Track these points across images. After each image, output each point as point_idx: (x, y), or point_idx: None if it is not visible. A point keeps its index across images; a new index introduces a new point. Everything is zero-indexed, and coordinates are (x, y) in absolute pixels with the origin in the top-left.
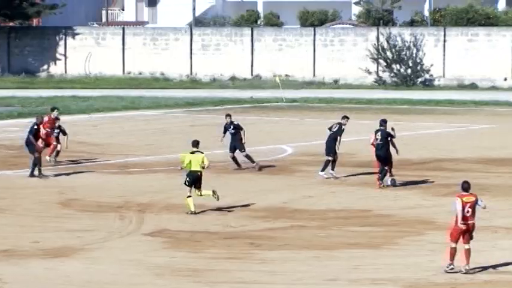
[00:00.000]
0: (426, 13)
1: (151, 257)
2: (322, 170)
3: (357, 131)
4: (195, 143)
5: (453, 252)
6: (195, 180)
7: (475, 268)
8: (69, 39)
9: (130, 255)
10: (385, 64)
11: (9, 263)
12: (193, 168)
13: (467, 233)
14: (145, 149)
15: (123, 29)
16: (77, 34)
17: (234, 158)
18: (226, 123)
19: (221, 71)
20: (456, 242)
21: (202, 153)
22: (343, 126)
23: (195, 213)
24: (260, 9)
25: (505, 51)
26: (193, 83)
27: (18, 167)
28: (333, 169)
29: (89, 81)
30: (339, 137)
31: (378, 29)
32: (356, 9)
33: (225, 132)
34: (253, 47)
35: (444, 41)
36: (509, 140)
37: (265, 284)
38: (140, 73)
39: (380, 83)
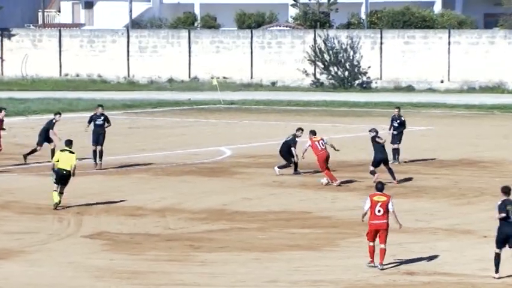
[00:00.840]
0: (363, 16)
1: (91, 259)
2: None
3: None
4: (68, 142)
5: (371, 250)
6: (62, 177)
7: (411, 269)
8: (6, 41)
9: (69, 257)
10: (322, 66)
11: None
12: (61, 166)
13: (381, 232)
14: (83, 152)
15: (60, 31)
16: (13, 35)
17: None
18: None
19: (159, 73)
20: (372, 240)
21: (73, 153)
22: (296, 138)
23: (58, 204)
24: (197, 11)
25: (441, 53)
26: (131, 85)
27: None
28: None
29: (26, 83)
30: (292, 148)
31: (315, 31)
32: (293, 12)
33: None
34: (191, 49)
35: (381, 43)
36: (447, 142)
37: (205, 286)
38: (77, 75)
39: (318, 85)
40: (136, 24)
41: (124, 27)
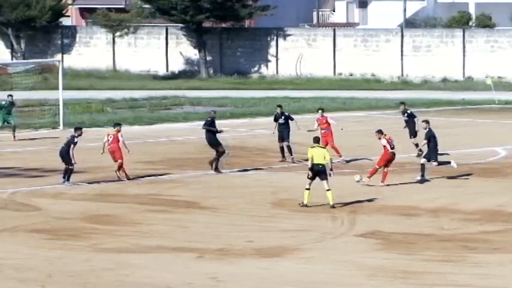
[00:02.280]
0: None
1: (364, 258)
2: None
3: None
4: (316, 140)
5: None
6: (318, 172)
7: None
8: (281, 41)
9: (343, 255)
10: None
11: (224, 261)
12: (316, 162)
13: None
14: (357, 151)
15: (334, 30)
16: (289, 35)
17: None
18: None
19: (432, 72)
20: None
21: (323, 148)
22: None
23: (306, 206)
24: (472, 10)
25: None
26: (404, 84)
27: (232, 167)
28: None
29: (300, 82)
30: None
31: None
32: None
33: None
34: (465, 48)
35: None
36: None
37: (479, 287)
38: (351, 74)
39: None
40: (410, 23)
41: (398, 26)
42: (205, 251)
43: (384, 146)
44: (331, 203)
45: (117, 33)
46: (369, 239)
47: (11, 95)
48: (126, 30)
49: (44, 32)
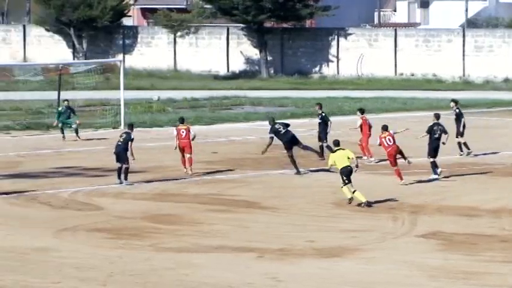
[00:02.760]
0: None
1: (425, 259)
2: None
3: None
4: (336, 142)
5: None
6: (350, 173)
7: None
8: (342, 41)
9: (404, 256)
10: None
11: (284, 261)
12: (342, 165)
13: None
14: (418, 151)
15: (395, 30)
16: (350, 35)
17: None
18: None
19: (494, 72)
20: None
21: (344, 149)
22: None
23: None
24: None
25: None
26: (466, 84)
27: (292, 167)
28: None
29: (361, 82)
30: None
31: None
32: None
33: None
34: None
35: None
36: None
37: None
38: (412, 74)
39: None
40: (471, 23)
41: (459, 26)
42: (266, 251)
43: (380, 144)
44: (364, 201)
45: (178, 33)
46: (430, 240)
47: (66, 100)
48: (187, 30)
49: (105, 32)
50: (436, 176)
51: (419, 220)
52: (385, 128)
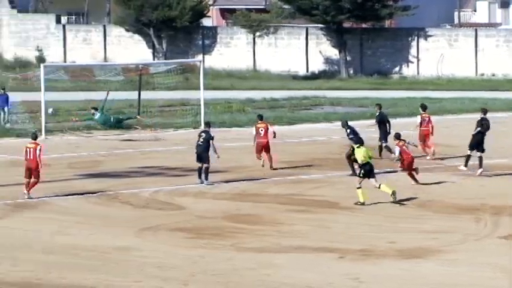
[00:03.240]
0: None
1: (508, 261)
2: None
3: None
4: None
5: None
6: (371, 170)
7: None
8: (422, 41)
9: (486, 258)
10: None
11: (366, 262)
12: (364, 162)
13: None
14: (497, 152)
15: (476, 30)
16: (430, 36)
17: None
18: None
19: None
20: None
21: (365, 148)
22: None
23: (363, 204)
24: None
25: None
26: None
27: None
28: None
29: (441, 82)
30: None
31: None
32: None
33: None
34: None
35: None
36: None
37: None
38: (493, 75)
39: None
40: None
41: None
42: (347, 252)
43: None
44: (391, 192)
45: (257, 34)
46: None
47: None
48: (266, 30)
49: (185, 33)
50: (464, 168)
51: (502, 221)
52: (398, 137)
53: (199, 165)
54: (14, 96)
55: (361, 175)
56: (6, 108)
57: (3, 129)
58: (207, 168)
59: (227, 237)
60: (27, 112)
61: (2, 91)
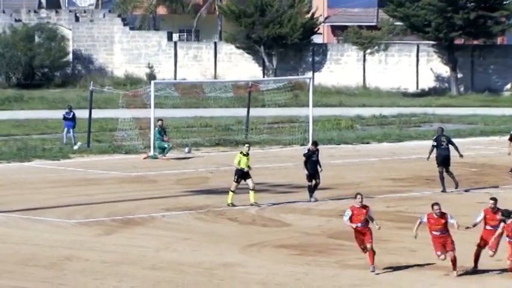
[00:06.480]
0: None
1: None
2: None
3: None
4: None
5: None
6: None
7: None
8: None
9: None
10: None
11: (471, 280)
12: None
13: None
14: None
15: None
16: None
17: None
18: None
19: None
20: None
21: None
22: None
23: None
24: None
25: None
26: None
27: (479, 185)
28: None
29: None
30: None
31: None
32: None
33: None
34: None
35: None
36: None
37: None
38: None
39: None
40: None
41: None
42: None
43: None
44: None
45: (368, 51)
46: None
47: (161, 120)
48: (377, 47)
49: (295, 50)
50: None
51: None
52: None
53: (310, 183)
54: (124, 113)
55: None
56: (71, 130)
57: (70, 151)
58: (316, 185)
59: (332, 255)
60: (136, 128)
61: (69, 110)
